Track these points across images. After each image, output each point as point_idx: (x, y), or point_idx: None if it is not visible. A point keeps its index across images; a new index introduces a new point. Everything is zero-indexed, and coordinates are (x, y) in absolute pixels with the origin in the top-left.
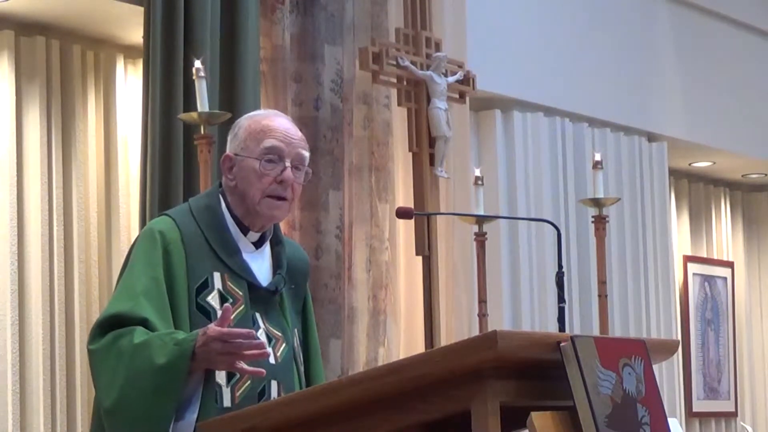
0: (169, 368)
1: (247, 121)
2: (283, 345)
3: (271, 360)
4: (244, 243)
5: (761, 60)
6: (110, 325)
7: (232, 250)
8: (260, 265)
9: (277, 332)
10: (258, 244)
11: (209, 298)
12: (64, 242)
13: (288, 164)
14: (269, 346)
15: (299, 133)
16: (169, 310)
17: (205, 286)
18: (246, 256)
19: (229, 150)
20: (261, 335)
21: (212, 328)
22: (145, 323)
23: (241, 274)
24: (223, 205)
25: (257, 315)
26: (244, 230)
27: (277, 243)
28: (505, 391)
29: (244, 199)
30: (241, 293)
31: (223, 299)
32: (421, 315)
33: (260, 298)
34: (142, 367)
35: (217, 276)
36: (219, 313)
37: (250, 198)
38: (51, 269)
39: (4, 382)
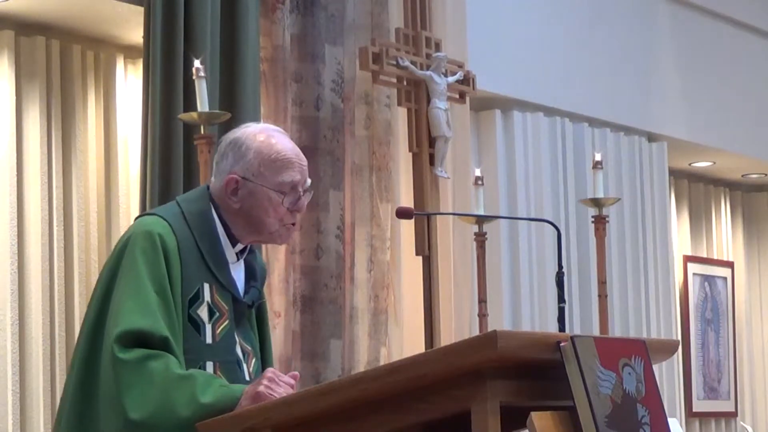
0: (214, 406)
1: (254, 142)
2: (254, 360)
3: (246, 377)
4: (230, 254)
5: (761, 60)
6: (135, 340)
7: (221, 262)
8: (239, 277)
9: (247, 346)
10: (240, 255)
11: (199, 311)
12: (64, 242)
13: (302, 193)
14: (243, 361)
15: (302, 155)
16: (177, 325)
17: (197, 298)
18: (231, 267)
19: (234, 170)
20: (237, 350)
21: (273, 370)
22: (166, 342)
23: (228, 287)
24: (214, 213)
25: (234, 330)
26: (233, 241)
27: (249, 251)
28: (505, 391)
29: (256, 225)
30: (226, 307)
31: (210, 312)
32: (421, 315)
33: (238, 312)
34: (184, 399)
35: (207, 287)
36: (207, 327)
37: (266, 226)
38: (51, 269)
39: (4, 382)
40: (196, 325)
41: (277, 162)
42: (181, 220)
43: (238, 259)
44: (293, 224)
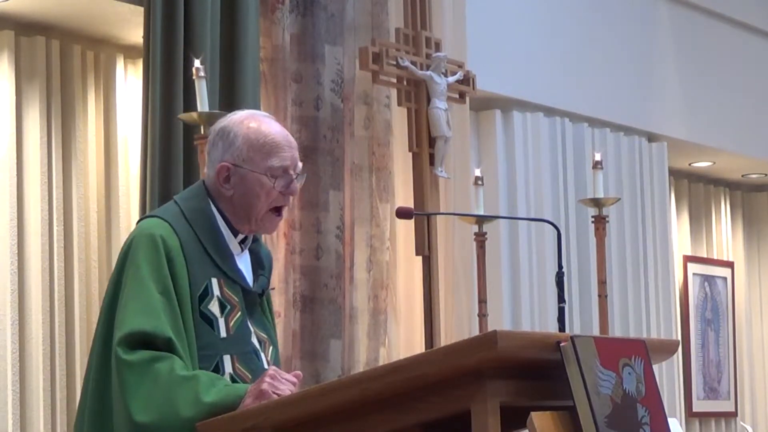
0: (217, 405)
1: (242, 128)
2: (271, 348)
3: (264, 365)
4: (234, 245)
5: (761, 60)
6: (140, 341)
7: (225, 255)
8: (246, 266)
9: (263, 335)
10: (243, 245)
11: (210, 306)
12: (64, 242)
13: (294, 176)
14: (260, 350)
15: (292, 138)
16: (182, 325)
17: (206, 294)
18: (236, 259)
19: (224, 159)
20: (254, 340)
21: (275, 368)
22: (170, 343)
23: (236, 279)
24: (213, 206)
25: (248, 320)
26: (234, 232)
27: (253, 240)
28: (505, 391)
29: (247, 210)
30: (236, 299)
31: (222, 306)
32: (421, 315)
33: (249, 302)
34: (188, 400)
35: (214, 282)
36: (220, 321)
37: (256, 211)
38: (51, 269)
39: (4, 382)
40: (209, 320)
41: (265, 146)
42: (182, 218)
43: (242, 250)
44: (280, 210)
